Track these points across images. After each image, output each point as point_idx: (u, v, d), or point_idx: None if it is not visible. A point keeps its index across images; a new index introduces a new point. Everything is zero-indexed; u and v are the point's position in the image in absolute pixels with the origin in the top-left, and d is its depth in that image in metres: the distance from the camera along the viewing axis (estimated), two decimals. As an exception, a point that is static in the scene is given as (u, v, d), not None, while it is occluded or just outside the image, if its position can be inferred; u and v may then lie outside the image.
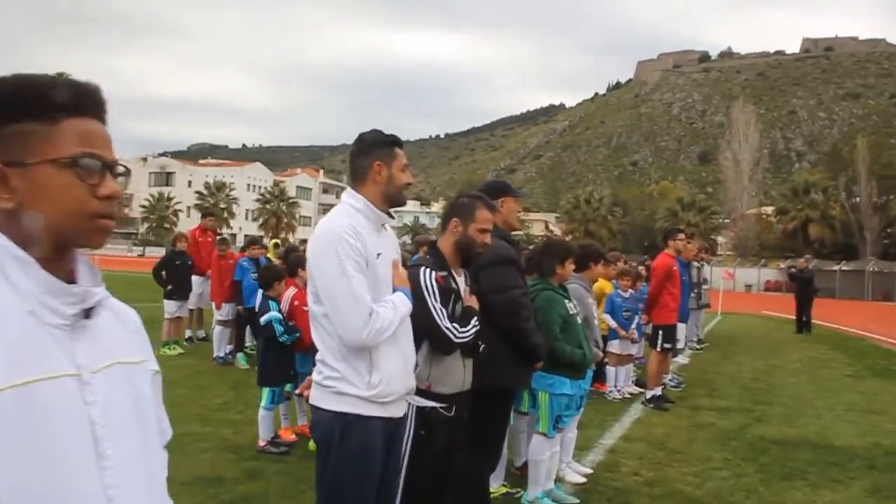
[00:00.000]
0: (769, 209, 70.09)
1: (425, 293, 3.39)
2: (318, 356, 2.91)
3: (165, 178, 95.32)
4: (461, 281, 3.64)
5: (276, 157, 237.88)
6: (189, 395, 7.95)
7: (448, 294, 3.48)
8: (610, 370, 9.32)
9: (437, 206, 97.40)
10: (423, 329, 3.38)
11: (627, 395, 9.23)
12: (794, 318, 19.98)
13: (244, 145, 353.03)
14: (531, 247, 9.17)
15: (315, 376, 2.93)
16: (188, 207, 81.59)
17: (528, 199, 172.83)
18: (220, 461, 5.73)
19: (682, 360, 12.27)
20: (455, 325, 3.39)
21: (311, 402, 2.95)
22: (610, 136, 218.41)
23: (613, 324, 9.30)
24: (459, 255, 3.63)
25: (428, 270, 3.47)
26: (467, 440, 4.23)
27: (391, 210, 3.08)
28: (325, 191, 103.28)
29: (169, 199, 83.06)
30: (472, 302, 3.58)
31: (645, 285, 10.43)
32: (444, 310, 3.39)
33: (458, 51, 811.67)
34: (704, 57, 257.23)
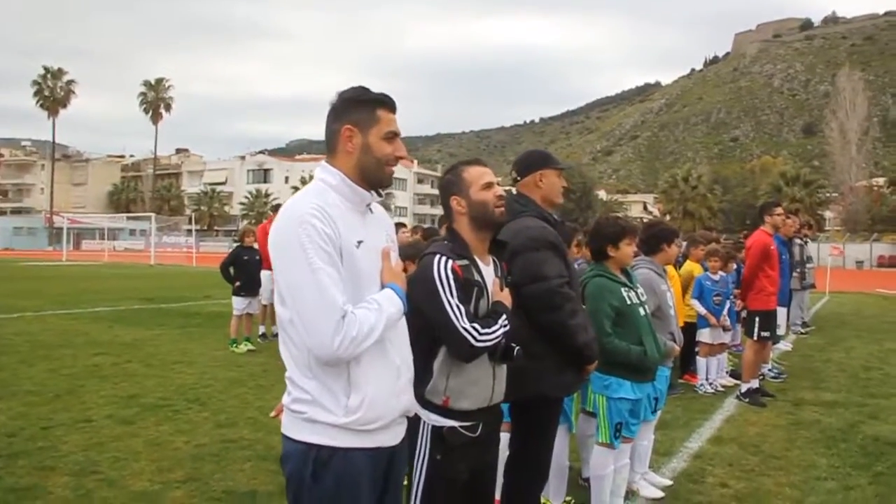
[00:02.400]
0: (881, 180, 66.12)
1: (439, 287, 2.80)
2: (286, 373, 2.36)
3: (263, 174, 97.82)
4: (488, 271, 3.01)
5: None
6: (248, 397, 7.62)
7: (469, 287, 2.87)
8: (700, 361, 8.47)
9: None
10: (438, 331, 2.80)
11: (720, 389, 8.36)
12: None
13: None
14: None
15: (284, 398, 2.37)
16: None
17: (626, 180, 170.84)
18: (259, 472, 5.29)
19: (784, 346, 11.19)
20: (475, 325, 2.77)
21: (282, 430, 2.39)
22: (708, 113, 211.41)
23: (702, 310, 8.45)
24: (482, 233, 3.01)
25: (443, 259, 2.86)
26: (509, 458, 3.64)
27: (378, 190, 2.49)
28: (419, 181, 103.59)
29: (266, 195, 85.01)
30: (503, 296, 2.95)
31: (740, 266, 9.50)
32: (461, 307, 2.78)
33: (551, 34, 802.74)
34: (806, 24, 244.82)
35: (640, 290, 4.46)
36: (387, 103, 2.45)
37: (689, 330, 8.68)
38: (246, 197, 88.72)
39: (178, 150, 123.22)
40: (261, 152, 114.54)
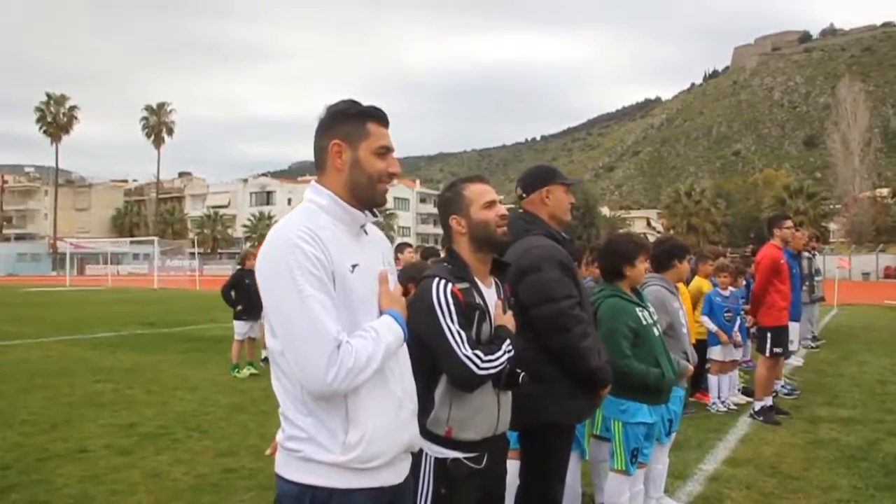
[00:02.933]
0: (884, 191, 65.82)
1: (438, 312, 2.64)
2: (280, 409, 2.19)
3: (266, 196, 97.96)
4: (490, 293, 2.85)
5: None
6: (250, 424, 7.45)
7: (471, 311, 2.71)
8: (712, 379, 8.27)
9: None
10: (438, 359, 2.64)
11: (733, 407, 8.15)
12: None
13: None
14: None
15: (278, 435, 2.20)
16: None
17: (628, 196, 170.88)
18: (260, 503, 5.11)
19: (795, 361, 10.99)
20: (478, 352, 2.61)
21: (275, 469, 2.22)
22: (709, 127, 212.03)
23: (713, 327, 8.26)
24: (483, 254, 2.85)
25: (442, 282, 2.70)
26: (518, 488, 3.46)
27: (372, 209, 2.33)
28: (422, 200, 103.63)
29: (270, 217, 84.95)
30: (506, 320, 2.78)
31: (749, 281, 9.32)
32: (462, 333, 2.62)
33: (550, 51, 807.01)
34: (805, 37, 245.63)
35: (652, 309, 4.29)
36: (378, 116, 2.29)
37: (700, 347, 8.50)
38: (249, 219, 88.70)
39: (181, 174, 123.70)
40: (263, 174, 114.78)
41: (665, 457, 4.84)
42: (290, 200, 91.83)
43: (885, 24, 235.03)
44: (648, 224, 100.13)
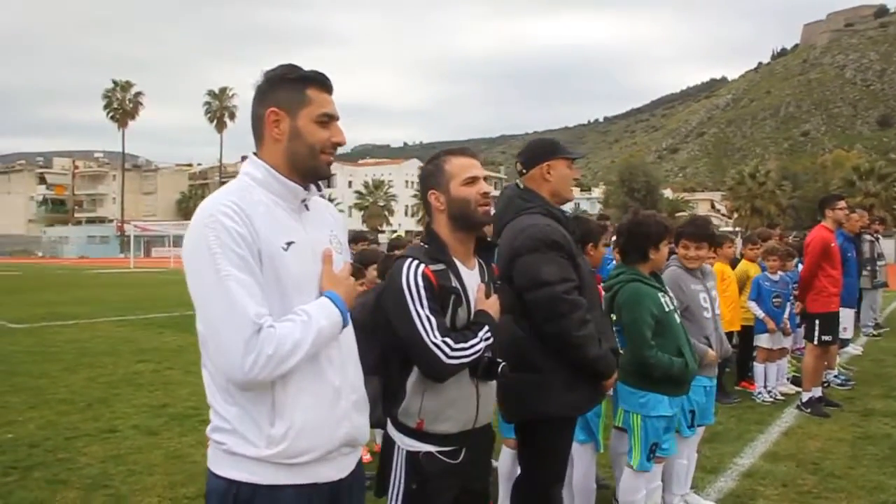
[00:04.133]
0: (965, 172, 62.74)
1: (407, 295, 2.45)
2: (207, 398, 2.04)
3: (327, 179, 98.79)
4: (472, 276, 2.63)
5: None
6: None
7: (446, 295, 2.50)
8: (758, 367, 7.89)
9: (598, 191, 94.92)
10: (406, 346, 2.45)
11: (780, 398, 7.76)
12: None
13: (405, 144, 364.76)
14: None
15: (209, 426, 2.05)
16: (349, 207, 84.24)
17: (692, 178, 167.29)
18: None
19: (853, 350, 10.44)
20: (448, 339, 2.41)
21: (208, 463, 2.07)
22: (777, 107, 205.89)
23: (760, 313, 7.86)
24: (463, 234, 2.63)
25: (414, 263, 2.50)
26: (515, 483, 3.27)
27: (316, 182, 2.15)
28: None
29: (331, 199, 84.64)
30: (488, 305, 2.57)
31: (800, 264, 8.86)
32: (433, 318, 2.42)
33: (612, 32, 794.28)
34: (881, 11, 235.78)
35: (672, 295, 4.02)
36: (319, 81, 2.10)
37: (747, 334, 8.13)
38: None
39: (244, 158, 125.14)
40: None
41: (692, 451, 4.56)
42: (350, 183, 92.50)
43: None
44: (713, 206, 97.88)
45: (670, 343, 3.84)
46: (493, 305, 2.58)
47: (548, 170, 3.29)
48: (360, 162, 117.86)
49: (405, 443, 2.53)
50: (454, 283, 2.54)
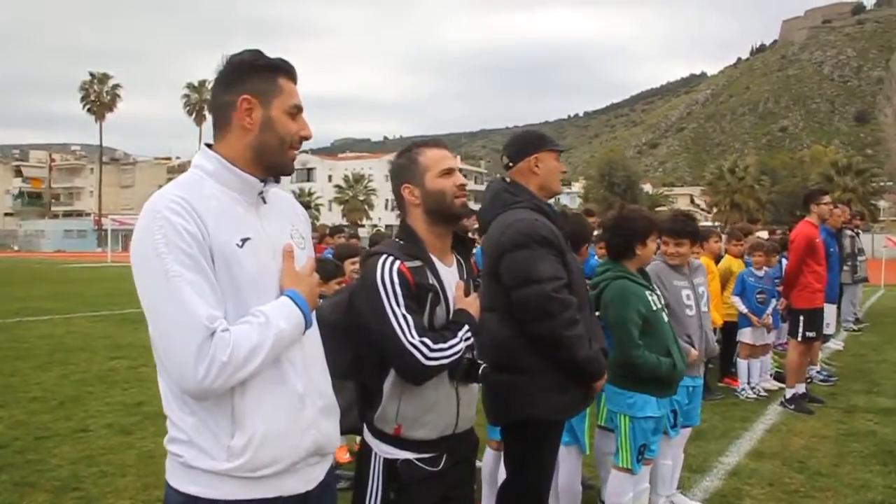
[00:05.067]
0: (939, 168, 63.49)
1: (382, 293, 2.32)
2: (164, 406, 1.91)
3: (307, 173, 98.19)
4: (450, 273, 2.51)
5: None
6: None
7: (423, 293, 2.38)
8: (741, 363, 7.84)
9: (578, 186, 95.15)
10: (382, 347, 2.33)
11: (763, 394, 7.72)
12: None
13: (385, 138, 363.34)
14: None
15: (166, 438, 1.92)
16: (329, 201, 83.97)
17: (672, 173, 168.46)
18: None
19: (834, 345, 10.45)
20: (426, 340, 2.29)
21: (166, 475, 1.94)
22: (756, 103, 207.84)
23: (743, 308, 7.82)
24: (440, 228, 2.50)
25: (389, 259, 2.37)
26: (500, 487, 3.15)
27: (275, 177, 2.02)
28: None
29: (310, 194, 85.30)
30: (468, 303, 2.45)
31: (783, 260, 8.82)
32: (409, 317, 2.30)
33: (593, 27, 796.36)
34: (858, 8, 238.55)
35: (659, 293, 3.92)
36: (289, 71, 1.98)
37: (730, 330, 8.08)
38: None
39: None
40: (304, 151, 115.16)
41: (678, 451, 4.47)
42: (330, 177, 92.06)
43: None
44: (692, 201, 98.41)
45: (658, 342, 3.74)
46: (472, 304, 2.46)
47: (536, 163, 3.17)
48: (341, 156, 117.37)
49: (382, 449, 2.41)
50: (431, 280, 2.42)
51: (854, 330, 12.38)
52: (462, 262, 2.60)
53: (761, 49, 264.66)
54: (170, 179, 1.98)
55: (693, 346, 4.20)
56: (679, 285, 4.31)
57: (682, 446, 4.58)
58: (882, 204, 63.54)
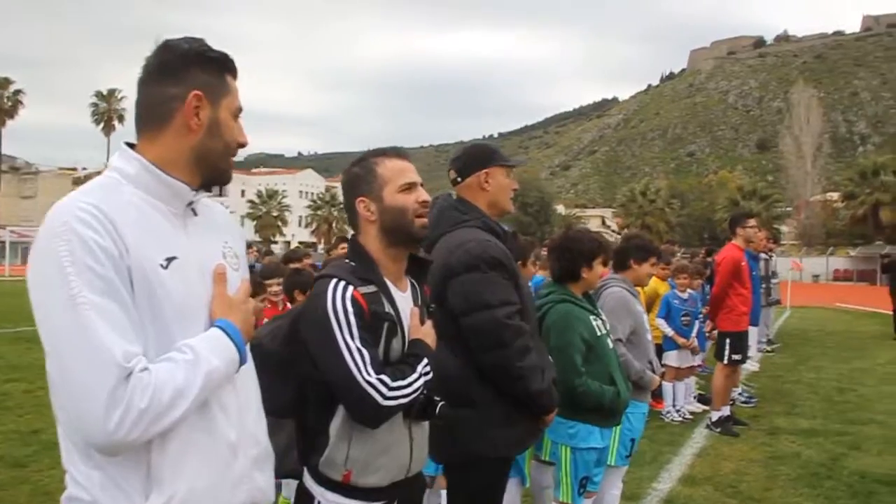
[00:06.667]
0: (834, 195, 66.77)
1: (334, 324, 2.03)
2: (62, 459, 1.59)
3: (219, 188, 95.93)
4: (405, 299, 2.25)
5: (332, 164, 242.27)
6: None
7: (378, 323, 2.11)
8: (667, 386, 7.80)
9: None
10: (333, 385, 2.05)
11: (689, 417, 7.71)
12: (872, 310, 18.06)
13: (300, 153, 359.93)
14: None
15: (64, 496, 1.60)
16: (241, 217, 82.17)
17: (584, 195, 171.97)
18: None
19: (751, 366, 10.60)
20: (384, 377, 2.02)
21: None
22: (665, 128, 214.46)
23: (669, 331, 7.81)
24: (397, 249, 2.24)
25: (341, 284, 2.09)
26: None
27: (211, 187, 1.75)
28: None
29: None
30: (423, 333, 2.19)
31: (707, 284, 8.88)
32: (365, 352, 2.02)
33: (508, 49, 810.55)
34: (759, 42, 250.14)
35: (604, 318, 3.75)
36: (234, 69, 1.73)
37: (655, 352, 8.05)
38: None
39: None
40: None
41: (619, 481, 4.30)
42: (243, 192, 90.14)
43: (836, 33, 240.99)
44: (603, 223, 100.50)
45: (602, 370, 3.56)
46: (429, 334, 2.21)
47: (486, 178, 2.94)
48: (254, 171, 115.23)
49: (327, 498, 2.12)
50: (387, 308, 2.14)
51: (767, 351, 12.65)
52: (416, 286, 2.34)
53: (671, 77, 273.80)
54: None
55: (653, 371, 4.07)
56: (640, 310, 4.18)
57: (623, 473, 4.43)
58: (783, 228, 66.23)
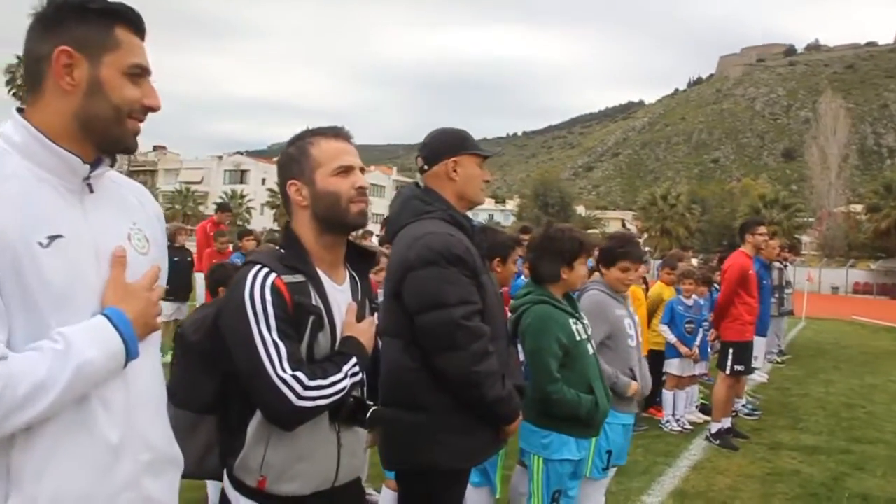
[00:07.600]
0: (858, 207, 65.88)
1: (250, 313, 1.85)
2: None
3: (240, 175, 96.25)
4: (340, 292, 2.06)
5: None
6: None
7: (303, 316, 1.92)
8: (667, 394, 7.59)
9: (512, 204, 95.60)
10: (245, 379, 1.87)
11: (688, 427, 7.47)
12: (890, 325, 17.68)
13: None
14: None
15: None
16: (261, 205, 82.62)
17: (605, 196, 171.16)
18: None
19: (759, 377, 10.32)
20: (299, 374, 1.83)
21: None
22: (690, 133, 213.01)
23: (672, 338, 7.57)
24: (331, 237, 2.05)
25: (263, 272, 1.91)
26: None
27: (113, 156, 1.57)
28: (398, 188, 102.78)
29: (242, 196, 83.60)
30: (359, 331, 2.00)
31: (715, 291, 8.62)
32: (281, 345, 1.84)
33: (537, 48, 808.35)
34: (790, 50, 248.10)
35: (586, 322, 3.54)
36: (132, 20, 1.53)
37: (657, 359, 7.81)
38: (221, 197, 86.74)
39: (156, 147, 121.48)
40: (239, 152, 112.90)
41: (601, 496, 4.08)
42: (264, 180, 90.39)
43: (868, 44, 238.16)
44: (623, 225, 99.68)
45: (580, 377, 3.35)
46: (365, 332, 2.02)
47: (454, 167, 2.73)
48: (276, 160, 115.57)
49: None
50: (315, 300, 1.95)
51: (778, 362, 12.36)
52: (357, 279, 2.15)
53: (698, 81, 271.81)
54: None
55: (635, 380, 3.85)
56: (620, 314, 3.94)
57: (606, 487, 4.21)
58: (804, 239, 65.47)
